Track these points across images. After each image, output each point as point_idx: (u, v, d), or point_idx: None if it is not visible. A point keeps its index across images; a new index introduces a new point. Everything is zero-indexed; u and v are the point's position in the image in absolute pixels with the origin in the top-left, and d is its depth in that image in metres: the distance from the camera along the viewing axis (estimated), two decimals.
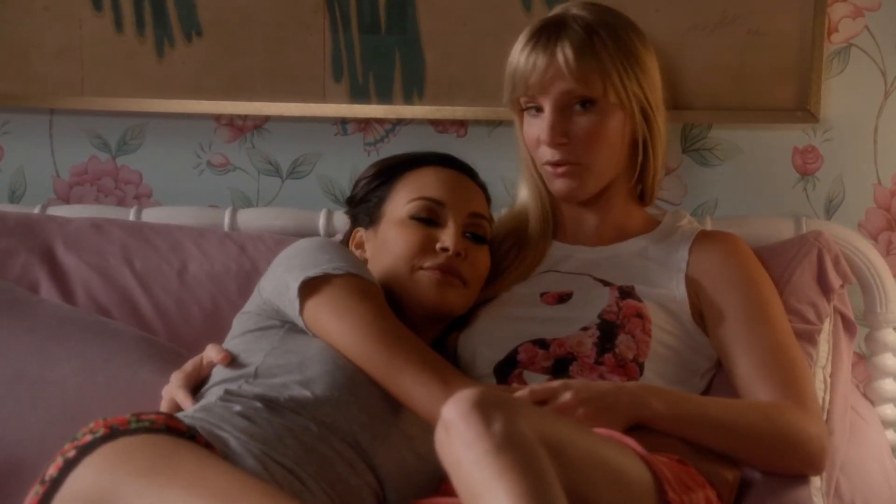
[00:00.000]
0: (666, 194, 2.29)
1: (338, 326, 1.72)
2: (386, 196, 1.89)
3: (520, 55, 1.89)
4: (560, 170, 1.91)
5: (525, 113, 1.94)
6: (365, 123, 2.37)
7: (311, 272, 1.73)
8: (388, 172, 1.92)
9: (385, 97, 2.31)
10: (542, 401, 1.65)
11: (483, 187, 1.95)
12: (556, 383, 1.67)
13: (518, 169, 2.04)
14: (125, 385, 1.92)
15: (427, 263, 1.82)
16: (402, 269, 1.82)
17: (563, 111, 1.88)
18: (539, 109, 1.90)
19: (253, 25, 2.31)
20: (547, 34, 1.88)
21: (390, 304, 1.77)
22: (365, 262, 1.89)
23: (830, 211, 2.30)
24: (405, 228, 1.85)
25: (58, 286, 2.13)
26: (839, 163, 2.28)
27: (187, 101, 2.34)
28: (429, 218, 1.85)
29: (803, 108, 2.22)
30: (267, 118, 2.38)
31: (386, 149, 2.36)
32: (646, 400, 1.69)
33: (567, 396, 1.65)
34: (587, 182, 1.92)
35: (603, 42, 1.86)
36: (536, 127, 1.91)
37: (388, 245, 1.85)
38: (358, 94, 2.31)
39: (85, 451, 1.50)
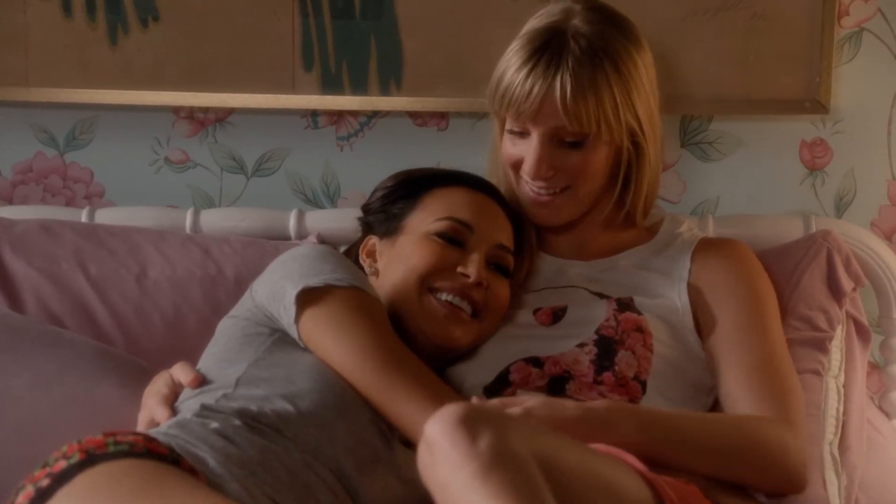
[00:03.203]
0: (663, 192, 2.30)
1: (335, 342, 1.72)
2: (410, 209, 1.91)
3: (515, 74, 1.88)
4: (543, 199, 1.93)
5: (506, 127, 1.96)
6: (338, 116, 2.37)
7: (312, 281, 1.74)
8: (415, 185, 1.93)
9: (360, 88, 2.31)
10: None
11: (513, 219, 1.96)
12: (528, 404, 1.66)
13: (491, 169, 2.04)
14: (83, 400, 1.91)
15: (440, 283, 1.84)
16: (413, 287, 1.84)
17: (552, 142, 1.90)
18: (525, 133, 1.92)
19: (215, 10, 2.30)
20: (547, 58, 1.86)
21: (394, 324, 1.79)
22: (376, 272, 1.91)
23: (841, 208, 2.32)
24: (428, 244, 1.86)
25: (5, 293, 2.12)
26: (850, 157, 2.30)
27: (143, 93, 2.33)
28: (454, 240, 1.87)
29: (812, 98, 2.24)
30: (231, 111, 2.38)
31: (360, 144, 2.37)
32: (614, 424, 1.68)
33: (533, 405, 1.64)
34: (568, 212, 1.96)
35: (605, 76, 1.86)
36: (520, 149, 1.93)
37: (406, 257, 1.86)
38: (330, 85, 2.31)
39: (60, 479, 1.46)
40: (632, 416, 1.71)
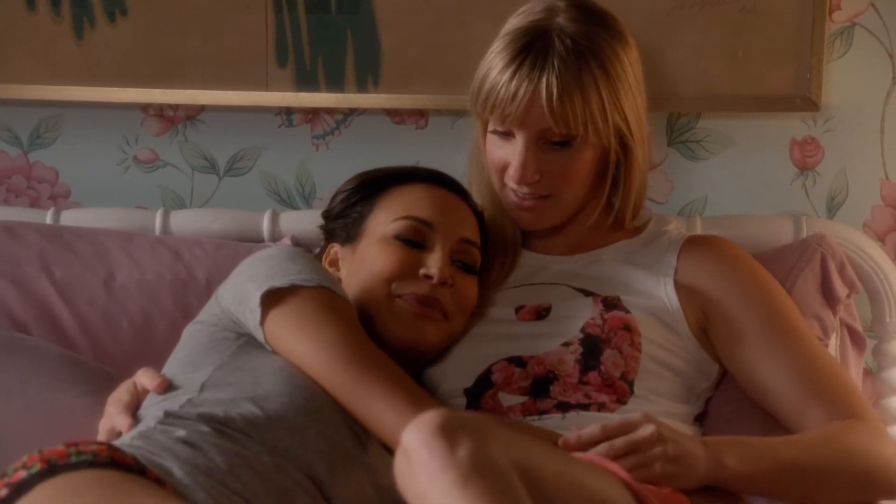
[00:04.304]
0: (650, 192, 2.28)
1: (302, 342, 1.71)
2: (368, 211, 1.90)
3: (499, 75, 1.87)
4: (526, 203, 1.92)
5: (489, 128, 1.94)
6: (313, 114, 2.36)
7: (278, 282, 1.73)
8: (372, 186, 1.92)
9: (335, 84, 2.30)
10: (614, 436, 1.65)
11: (476, 212, 1.95)
12: (636, 416, 1.68)
13: (472, 168, 2.03)
14: (47, 410, 1.90)
15: (406, 290, 1.83)
16: (380, 292, 1.83)
17: (537, 145, 1.89)
18: (509, 134, 1.90)
19: (185, 3, 2.29)
20: (532, 58, 1.85)
21: (364, 328, 1.78)
22: (339, 280, 1.89)
23: (833, 209, 2.32)
24: (387, 248, 1.85)
25: None
26: (842, 156, 2.30)
27: (110, 89, 2.32)
28: (415, 240, 1.86)
29: (802, 95, 2.24)
30: (202, 108, 2.37)
31: (336, 142, 2.36)
32: (720, 458, 1.69)
33: (648, 431, 1.65)
34: (552, 217, 1.95)
35: (592, 76, 1.85)
36: (504, 151, 1.91)
37: (367, 263, 1.85)
38: (305, 81, 2.30)
39: (20, 489, 1.44)
40: (732, 447, 1.72)
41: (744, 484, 1.72)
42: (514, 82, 1.86)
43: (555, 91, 1.84)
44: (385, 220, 1.88)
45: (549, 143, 1.89)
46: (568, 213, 1.96)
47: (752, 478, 1.71)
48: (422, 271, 1.84)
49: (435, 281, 1.83)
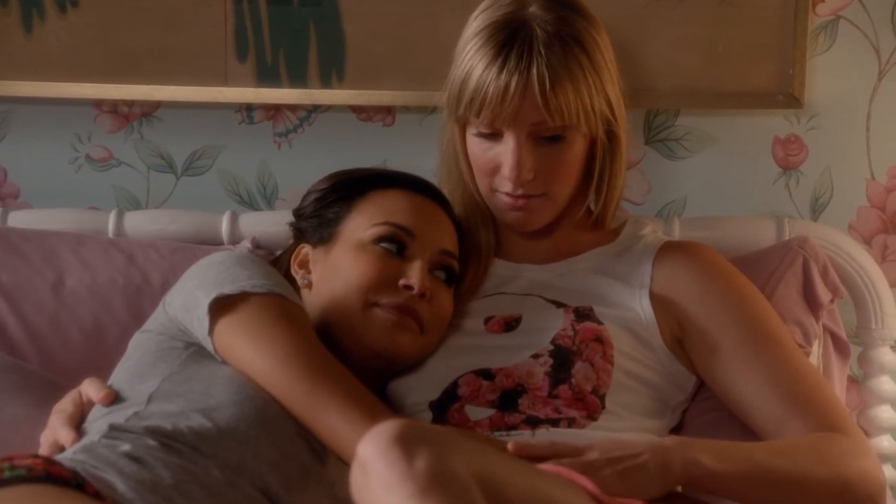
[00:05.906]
0: (627, 192, 2.29)
1: (253, 351, 1.71)
2: (345, 214, 1.89)
3: (486, 72, 1.85)
4: (520, 203, 1.91)
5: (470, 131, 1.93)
6: (275, 110, 2.35)
7: (227, 289, 1.73)
8: (351, 187, 1.92)
9: (298, 80, 2.30)
10: (561, 456, 1.63)
11: (456, 222, 1.95)
12: (583, 443, 1.66)
13: (444, 174, 2.02)
14: None
15: (384, 300, 1.82)
16: (355, 302, 1.82)
17: (529, 142, 1.87)
18: (497, 135, 1.89)
19: None
20: (518, 50, 1.85)
21: (330, 338, 1.78)
22: (309, 284, 1.89)
23: (817, 210, 2.32)
24: (365, 255, 1.85)
25: None
26: (827, 154, 2.31)
27: (62, 84, 2.31)
28: (394, 248, 1.85)
29: (785, 92, 2.24)
30: (158, 104, 2.36)
31: (299, 140, 2.35)
32: (695, 456, 1.68)
33: (593, 455, 1.63)
34: (545, 215, 1.94)
35: (577, 62, 1.86)
36: (493, 152, 1.90)
37: (342, 271, 1.85)
38: (266, 76, 2.30)
39: None
40: (705, 446, 1.70)
41: (718, 485, 1.69)
42: (503, 77, 1.84)
43: (547, 80, 1.83)
44: (363, 224, 1.87)
45: (541, 139, 1.88)
46: (558, 210, 1.95)
47: (725, 477, 1.69)
48: (401, 281, 1.83)
49: (415, 292, 1.83)
